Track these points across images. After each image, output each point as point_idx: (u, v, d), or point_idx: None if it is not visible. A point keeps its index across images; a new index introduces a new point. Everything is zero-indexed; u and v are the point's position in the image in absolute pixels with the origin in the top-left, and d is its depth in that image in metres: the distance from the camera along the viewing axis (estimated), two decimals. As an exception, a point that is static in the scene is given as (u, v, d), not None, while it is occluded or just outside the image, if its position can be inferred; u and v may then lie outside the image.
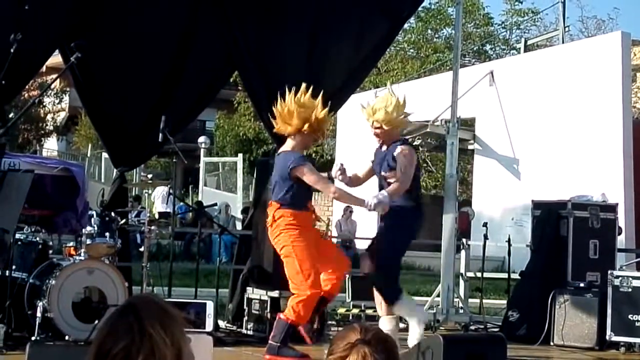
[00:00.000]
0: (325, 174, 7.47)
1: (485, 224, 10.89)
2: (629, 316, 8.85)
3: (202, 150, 28.40)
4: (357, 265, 17.95)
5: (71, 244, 8.44)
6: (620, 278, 8.97)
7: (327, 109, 7.39)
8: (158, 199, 22.39)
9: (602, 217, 9.94)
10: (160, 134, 8.47)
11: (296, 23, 9.57)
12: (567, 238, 9.75)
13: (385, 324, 7.39)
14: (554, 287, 9.38)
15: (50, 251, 8.60)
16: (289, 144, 7.38)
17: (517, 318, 9.72)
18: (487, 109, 19.75)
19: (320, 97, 7.38)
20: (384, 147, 7.64)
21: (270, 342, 7.21)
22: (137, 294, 7.41)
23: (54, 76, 8.97)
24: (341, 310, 10.06)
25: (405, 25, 22.21)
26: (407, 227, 7.69)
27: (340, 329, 9.03)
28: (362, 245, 20.74)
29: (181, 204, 18.57)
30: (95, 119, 9.57)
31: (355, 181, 7.88)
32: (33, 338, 7.26)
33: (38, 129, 32.49)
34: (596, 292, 9.17)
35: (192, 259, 16.12)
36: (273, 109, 7.50)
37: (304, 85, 7.43)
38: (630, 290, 8.89)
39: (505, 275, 11.60)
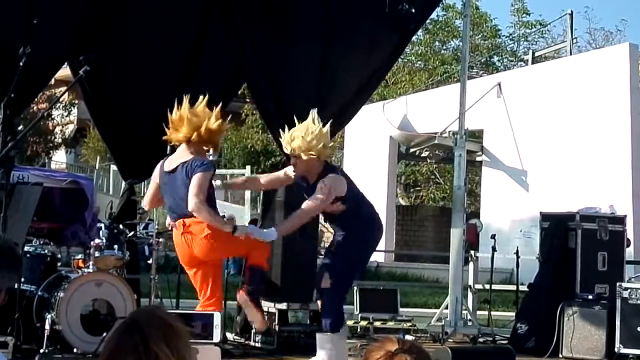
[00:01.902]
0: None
1: (493, 236, 10.88)
2: (638, 328, 8.81)
3: (210, 163, 28.37)
4: (366, 277, 17.79)
5: (80, 256, 8.46)
6: (629, 290, 8.94)
7: (220, 122, 7.07)
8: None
9: (611, 229, 9.92)
10: (169, 147, 8.48)
11: (305, 37, 9.59)
12: (575, 250, 9.72)
13: None
14: (562, 299, 9.36)
15: (59, 264, 8.61)
16: (183, 154, 7.05)
17: (526, 330, 9.69)
18: (495, 121, 19.74)
19: (218, 109, 7.12)
20: (312, 181, 7.17)
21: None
22: (141, 307, 7.42)
23: (63, 89, 8.98)
24: (349, 323, 10.03)
25: (413, 38, 22.22)
26: (357, 251, 7.34)
27: (348, 341, 9.05)
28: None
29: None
30: (103, 132, 9.60)
31: (252, 184, 7.78)
32: (42, 350, 7.28)
33: (47, 141, 32.53)
34: (605, 304, 9.15)
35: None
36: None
37: (206, 96, 7.19)
38: (639, 302, 8.86)
39: (513, 287, 11.56)
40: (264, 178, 7.91)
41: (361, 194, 7.40)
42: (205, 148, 7.10)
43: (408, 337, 9.68)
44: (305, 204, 7.07)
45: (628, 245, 10.39)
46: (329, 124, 7.25)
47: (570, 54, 23.96)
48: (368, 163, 21.83)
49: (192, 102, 7.16)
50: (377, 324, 9.85)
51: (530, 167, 19.27)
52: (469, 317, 10.44)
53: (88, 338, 7.53)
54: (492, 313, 11.08)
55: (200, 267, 7.08)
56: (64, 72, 10.33)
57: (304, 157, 7.05)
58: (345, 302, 7.58)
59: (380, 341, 2.74)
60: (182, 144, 7.09)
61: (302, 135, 7.08)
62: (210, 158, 7.18)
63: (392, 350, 2.65)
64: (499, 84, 19.96)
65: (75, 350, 7.50)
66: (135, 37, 9.15)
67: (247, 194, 25.55)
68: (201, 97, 7.17)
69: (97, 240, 8.04)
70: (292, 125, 7.36)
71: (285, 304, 8.71)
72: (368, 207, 7.42)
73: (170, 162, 7.12)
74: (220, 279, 7.27)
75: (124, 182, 9.67)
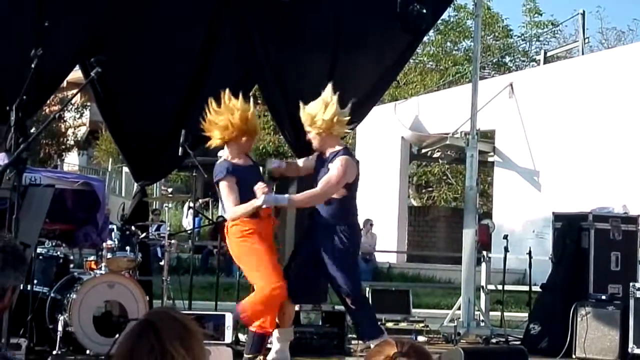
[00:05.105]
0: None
1: (505, 237, 10.84)
2: (652, 329, 8.78)
3: (221, 164, 28.42)
4: (378, 279, 17.78)
5: (92, 258, 8.47)
6: (642, 290, 8.90)
7: (240, 112, 7.15)
8: (185, 215, 22.57)
9: (624, 229, 9.88)
10: (181, 148, 8.49)
11: (316, 37, 9.58)
12: (588, 250, 9.69)
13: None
14: (575, 299, 9.32)
15: (71, 265, 8.63)
16: (225, 152, 7.29)
17: (539, 331, 9.66)
18: (507, 121, 19.71)
19: (239, 100, 7.21)
20: (326, 155, 7.22)
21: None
22: (155, 308, 7.43)
23: (75, 91, 9.01)
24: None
25: (425, 38, 22.20)
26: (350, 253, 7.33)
27: (360, 342, 9.03)
28: (381, 258, 20.76)
29: (200, 216, 18.61)
30: (115, 134, 9.62)
31: (293, 171, 7.69)
32: (54, 352, 7.29)
33: (59, 143, 32.59)
34: (618, 305, 9.11)
35: (212, 272, 16.14)
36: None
37: (227, 91, 7.28)
38: (652, 302, 8.82)
39: (526, 288, 11.53)
40: (300, 162, 7.76)
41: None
42: (244, 139, 7.23)
43: (420, 338, 9.68)
44: (320, 188, 7.06)
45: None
46: (349, 104, 7.28)
47: (582, 54, 23.90)
48: (380, 164, 21.82)
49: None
50: (390, 324, 9.83)
51: (543, 167, 19.23)
52: (481, 317, 10.42)
53: (100, 340, 7.53)
54: (505, 314, 11.04)
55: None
56: (76, 74, 10.34)
57: (312, 133, 7.17)
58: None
59: (379, 345, 2.70)
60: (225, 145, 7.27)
61: (306, 109, 7.20)
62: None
63: (391, 354, 2.61)
64: (511, 84, 19.93)
65: (87, 352, 7.51)
66: (146, 40, 9.17)
67: (259, 195, 25.62)
68: (227, 92, 7.26)
69: (109, 242, 8.04)
70: (302, 127, 7.40)
71: (297, 305, 8.70)
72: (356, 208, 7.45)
73: None
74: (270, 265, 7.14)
75: (136, 184, 9.68)
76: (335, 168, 7.03)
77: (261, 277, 7.04)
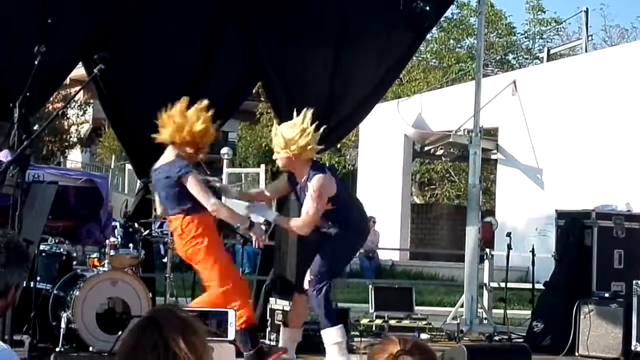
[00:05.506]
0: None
1: (508, 234, 10.85)
2: (655, 326, 8.77)
3: (224, 161, 28.42)
4: (381, 276, 17.80)
5: (95, 255, 8.48)
6: (645, 288, 8.90)
7: (205, 125, 7.04)
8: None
9: (627, 226, 9.88)
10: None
11: (319, 35, 9.58)
12: (591, 248, 9.69)
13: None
14: (578, 297, 9.32)
15: (74, 262, 8.64)
16: (169, 155, 7.10)
17: (542, 328, 9.66)
18: (510, 119, 19.69)
19: (208, 114, 7.07)
20: (299, 180, 7.24)
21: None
22: (159, 305, 7.44)
23: (78, 88, 9.01)
24: (364, 321, 10.03)
25: (428, 36, 22.18)
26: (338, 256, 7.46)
27: (363, 339, 9.03)
28: (384, 256, 20.76)
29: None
30: (118, 131, 9.62)
31: (266, 199, 7.70)
32: (57, 349, 7.31)
33: (62, 140, 32.64)
34: (621, 302, 9.10)
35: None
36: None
37: (205, 101, 7.15)
38: (655, 300, 8.81)
39: (529, 286, 11.54)
40: (268, 189, 7.99)
41: (348, 194, 7.43)
42: (189, 150, 7.06)
43: (423, 336, 9.68)
44: (302, 219, 7.12)
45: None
46: (316, 126, 7.20)
47: (586, 52, 23.87)
48: (383, 161, 21.82)
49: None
50: (392, 322, 9.84)
51: (546, 164, 19.22)
52: (484, 315, 10.42)
53: (103, 337, 7.54)
54: (508, 311, 11.05)
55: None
56: (79, 71, 10.35)
57: (282, 154, 7.12)
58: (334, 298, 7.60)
59: (382, 342, 2.70)
60: (168, 144, 7.11)
61: (281, 133, 7.13)
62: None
63: (394, 352, 2.61)
64: (514, 82, 19.91)
65: (90, 348, 7.51)
66: (148, 37, 9.17)
67: (262, 192, 25.64)
68: (204, 101, 7.15)
69: (112, 239, 8.05)
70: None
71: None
72: (353, 211, 7.43)
73: (158, 162, 7.20)
74: (226, 269, 7.15)
75: (139, 181, 9.68)
76: (309, 197, 7.05)
77: (219, 275, 6.99)
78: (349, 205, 7.39)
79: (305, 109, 7.27)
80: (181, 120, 7.02)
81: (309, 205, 7.05)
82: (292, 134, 7.08)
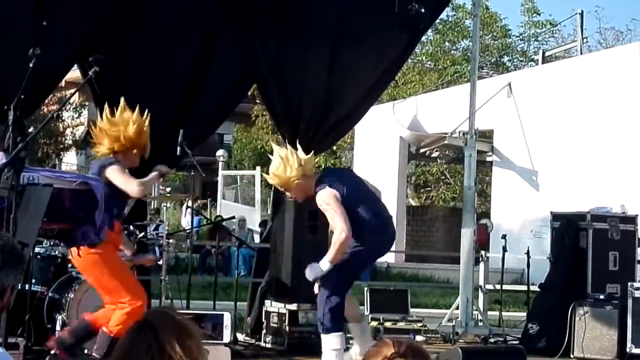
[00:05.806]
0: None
1: (504, 236, 10.85)
2: (650, 328, 8.78)
3: (220, 164, 28.45)
4: (377, 278, 17.73)
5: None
6: (640, 290, 8.91)
7: (137, 125, 7.03)
8: (183, 215, 22.59)
9: (622, 228, 9.89)
10: (179, 148, 8.50)
11: (315, 37, 9.58)
12: (586, 250, 9.70)
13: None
14: (573, 299, 9.33)
15: (69, 265, 8.61)
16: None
17: (537, 330, 9.67)
18: (505, 121, 19.72)
19: (135, 112, 7.07)
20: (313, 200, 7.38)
21: (95, 355, 6.95)
22: (154, 308, 7.42)
23: (73, 91, 8.99)
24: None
25: (423, 38, 22.20)
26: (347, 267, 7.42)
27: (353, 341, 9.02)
28: (379, 258, 20.73)
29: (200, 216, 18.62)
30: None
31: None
32: (52, 352, 7.27)
33: (57, 143, 32.59)
34: (616, 304, 9.11)
35: (210, 272, 16.13)
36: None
37: (122, 100, 7.13)
38: (650, 302, 8.83)
39: (524, 288, 11.55)
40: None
41: (363, 197, 7.42)
42: (134, 151, 7.09)
43: (419, 338, 9.68)
44: (335, 236, 7.18)
45: (639, 245, 10.35)
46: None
47: (581, 54, 23.93)
48: (378, 163, 21.81)
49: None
50: (388, 324, 9.83)
51: (541, 167, 19.24)
52: (479, 317, 10.42)
53: (98, 339, 7.51)
54: (503, 313, 11.05)
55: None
56: (74, 74, 10.33)
57: (292, 193, 7.46)
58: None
59: (376, 345, 2.69)
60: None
61: (276, 173, 7.32)
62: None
63: (388, 355, 2.60)
64: (509, 84, 19.94)
65: (85, 351, 7.49)
66: (144, 39, 9.16)
67: (258, 195, 25.60)
68: (122, 102, 7.12)
69: (107, 242, 8.02)
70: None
71: (295, 304, 8.70)
72: (367, 212, 7.41)
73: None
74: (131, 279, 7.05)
75: (134, 183, 9.66)
76: (326, 214, 7.24)
77: (127, 291, 6.82)
78: (356, 208, 7.34)
79: (274, 147, 7.47)
80: (113, 130, 7.00)
81: (330, 219, 7.24)
82: (283, 169, 7.25)
